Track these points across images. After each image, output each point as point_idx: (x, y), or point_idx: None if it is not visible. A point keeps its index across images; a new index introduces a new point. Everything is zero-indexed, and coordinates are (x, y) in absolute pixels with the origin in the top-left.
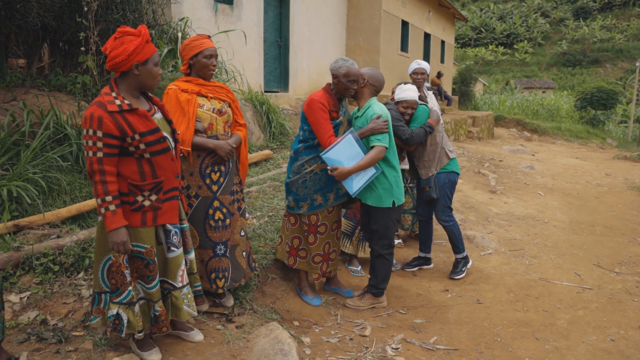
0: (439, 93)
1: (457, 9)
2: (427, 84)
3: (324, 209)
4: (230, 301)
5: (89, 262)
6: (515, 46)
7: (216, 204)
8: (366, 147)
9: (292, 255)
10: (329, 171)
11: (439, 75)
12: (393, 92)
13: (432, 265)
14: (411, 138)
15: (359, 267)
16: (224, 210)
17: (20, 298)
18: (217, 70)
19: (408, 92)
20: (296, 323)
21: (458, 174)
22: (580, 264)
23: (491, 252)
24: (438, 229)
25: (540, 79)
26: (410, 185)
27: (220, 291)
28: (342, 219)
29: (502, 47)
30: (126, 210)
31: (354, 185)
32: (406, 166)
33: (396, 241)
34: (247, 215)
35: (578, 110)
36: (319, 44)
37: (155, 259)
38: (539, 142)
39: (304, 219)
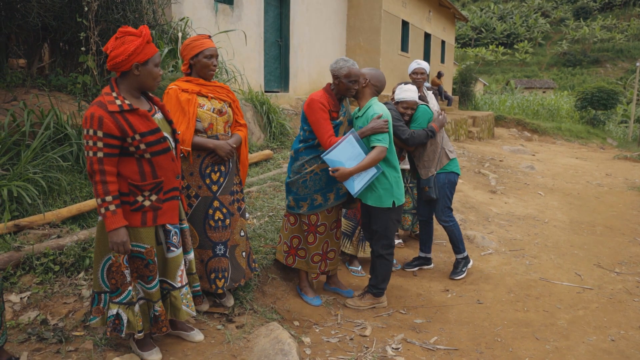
0: (439, 93)
1: (458, 9)
2: (427, 84)
3: (324, 209)
4: (230, 301)
5: (89, 262)
6: (515, 46)
7: (216, 204)
8: (367, 147)
9: (290, 254)
10: (330, 172)
11: (439, 75)
12: (394, 92)
13: (432, 265)
14: (411, 138)
15: (359, 267)
16: (224, 210)
17: (21, 298)
18: (217, 70)
19: (408, 92)
20: (296, 323)
21: (458, 174)
22: (581, 264)
23: (491, 252)
24: (438, 229)
25: (541, 79)
26: (410, 185)
27: (219, 291)
28: (342, 219)
29: (503, 47)
30: (126, 210)
31: (356, 185)
32: (407, 166)
33: (396, 241)
34: (247, 215)
35: (578, 110)
36: (319, 44)
37: (155, 259)
38: (539, 142)
39: (304, 219)
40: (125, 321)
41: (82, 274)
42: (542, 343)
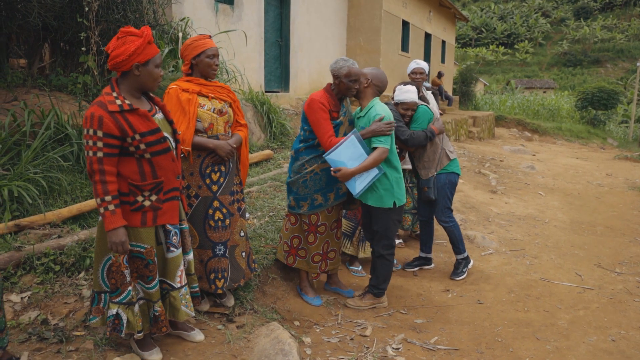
0: (440, 93)
1: (458, 9)
2: (427, 84)
3: (324, 208)
4: (231, 301)
5: (89, 262)
6: (516, 46)
7: (216, 204)
8: (368, 147)
9: (291, 254)
10: (332, 172)
11: (440, 75)
12: (394, 92)
13: (432, 265)
14: (410, 139)
15: (360, 267)
16: (224, 210)
17: (21, 298)
18: (218, 70)
19: (407, 93)
20: (297, 323)
21: (458, 174)
22: (581, 264)
23: (492, 252)
24: (439, 229)
25: (541, 79)
26: (410, 185)
27: (219, 292)
28: (342, 219)
29: (503, 47)
30: (126, 210)
31: (357, 186)
32: (407, 166)
33: (397, 241)
34: (247, 215)
35: (579, 110)
36: (319, 44)
37: (155, 259)
38: (539, 142)
39: (304, 219)
40: (124, 321)
41: (82, 274)
42: (542, 343)
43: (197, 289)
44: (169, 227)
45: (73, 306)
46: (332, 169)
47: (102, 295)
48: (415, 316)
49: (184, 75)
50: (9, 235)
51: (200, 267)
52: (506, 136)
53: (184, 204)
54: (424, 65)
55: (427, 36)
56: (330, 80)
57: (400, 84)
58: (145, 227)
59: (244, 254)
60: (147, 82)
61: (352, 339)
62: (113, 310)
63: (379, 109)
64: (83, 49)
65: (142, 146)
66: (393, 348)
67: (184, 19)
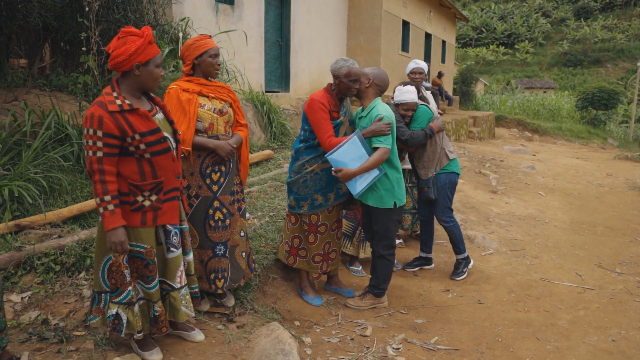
0: (440, 93)
1: (458, 9)
2: (428, 84)
3: (325, 208)
4: (231, 301)
5: (90, 262)
6: (516, 46)
7: (216, 204)
8: (370, 148)
9: (292, 254)
10: (333, 172)
11: (440, 75)
12: (394, 93)
13: (433, 265)
14: (410, 139)
15: (360, 267)
16: (224, 210)
17: (22, 298)
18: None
19: (407, 94)
20: (297, 323)
21: (458, 174)
22: (581, 264)
23: (492, 252)
24: (439, 229)
25: (541, 79)
26: (410, 185)
27: (219, 292)
28: (343, 219)
29: (503, 47)
30: (126, 210)
31: (358, 186)
32: (407, 166)
33: (397, 241)
34: (247, 215)
35: (579, 110)
36: (319, 44)
37: (155, 259)
38: (540, 142)
39: (305, 219)
40: (124, 321)
41: (83, 274)
42: (542, 343)
43: (196, 290)
44: (169, 227)
45: (73, 306)
46: (333, 169)
47: (103, 295)
48: (415, 316)
49: (184, 75)
50: (10, 235)
51: (201, 267)
52: (506, 136)
53: (184, 204)
54: (423, 65)
55: (428, 36)
56: (331, 80)
57: (399, 84)
58: (145, 227)
59: (244, 254)
60: (148, 82)
61: (352, 339)
62: (113, 310)
63: (381, 109)
64: (83, 49)
65: (142, 146)
66: (393, 348)
67: (184, 19)
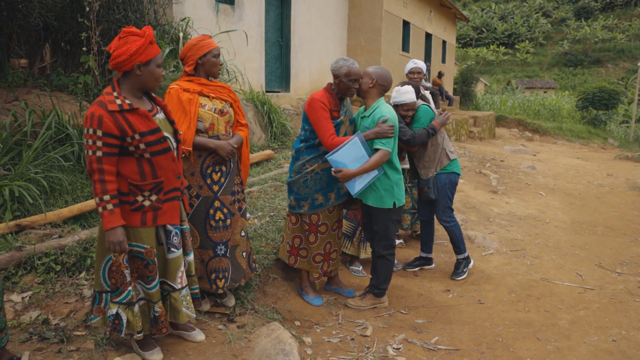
0: (440, 93)
1: (459, 9)
2: (428, 84)
3: (325, 208)
4: (231, 301)
5: (90, 262)
6: (516, 46)
7: (217, 204)
8: (370, 149)
9: (292, 254)
10: (332, 172)
11: (440, 75)
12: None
13: (433, 265)
14: (412, 139)
15: (360, 267)
16: (225, 210)
17: (22, 298)
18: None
19: (406, 94)
20: (297, 323)
21: (459, 174)
22: (582, 264)
23: (492, 252)
24: (439, 229)
25: (542, 79)
26: (409, 185)
27: (220, 291)
28: (343, 219)
29: (504, 47)
30: (126, 210)
31: (356, 186)
32: (406, 165)
33: (397, 241)
34: (248, 215)
35: (579, 110)
36: (320, 44)
37: (155, 259)
38: (540, 142)
39: (305, 219)
40: (124, 321)
41: (83, 274)
42: (543, 343)
43: (197, 291)
44: (169, 227)
45: (74, 306)
46: (332, 169)
47: (104, 294)
48: (415, 316)
49: (184, 75)
50: (10, 235)
51: (201, 267)
52: (507, 136)
53: (185, 205)
54: (421, 64)
55: (428, 36)
56: (331, 80)
57: (398, 84)
58: (145, 227)
59: (244, 253)
60: (149, 82)
61: (352, 339)
62: (113, 310)
63: (385, 110)
64: (84, 49)
65: (142, 146)
66: (394, 348)
67: (184, 19)
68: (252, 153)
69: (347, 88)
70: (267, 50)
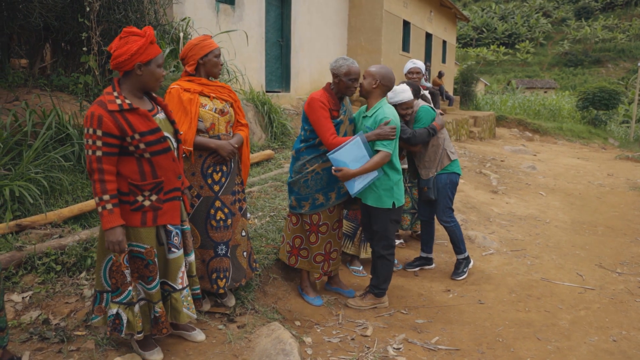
0: (441, 93)
1: (459, 8)
2: (428, 84)
3: (326, 208)
4: (231, 301)
5: (91, 262)
6: (516, 46)
7: (218, 204)
8: (372, 149)
9: (293, 254)
10: (332, 171)
11: (440, 75)
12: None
13: (433, 265)
14: (413, 138)
15: (361, 267)
16: (226, 210)
17: (23, 298)
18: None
19: (403, 94)
20: (298, 323)
21: (459, 174)
22: (582, 264)
23: (493, 252)
24: (440, 229)
25: (542, 79)
26: (409, 185)
27: (221, 291)
28: (344, 220)
29: (504, 47)
30: (126, 210)
31: (356, 186)
32: (405, 165)
33: (397, 241)
34: (248, 215)
35: (580, 110)
36: (320, 44)
37: (156, 259)
38: (540, 142)
39: (306, 219)
40: (125, 321)
41: (83, 274)
42: (543, 343)
43: (198, 291)
44: (170, 227)
45: (74, 306)
46: (333, 168)
47: (104, 294)
48: (416, 316)
49: (184, 75)
50: (11, 235)
51: (202, 266)
52: (507, 136)
53: (186, 205)
54: (420, 64)
55: (428, 36)
56: (331, 80)
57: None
58: (145, 227)
59: (245, 253)
60: (149, 82)
61: (353, 339)
62: (113, 310)
63: (387, 111)
64: (84, 49)
65: (142, 146)
66: (394, 348)
67: (185, 19)
68: (252, 153)
69: (346, 87)
70: (267, 50)
